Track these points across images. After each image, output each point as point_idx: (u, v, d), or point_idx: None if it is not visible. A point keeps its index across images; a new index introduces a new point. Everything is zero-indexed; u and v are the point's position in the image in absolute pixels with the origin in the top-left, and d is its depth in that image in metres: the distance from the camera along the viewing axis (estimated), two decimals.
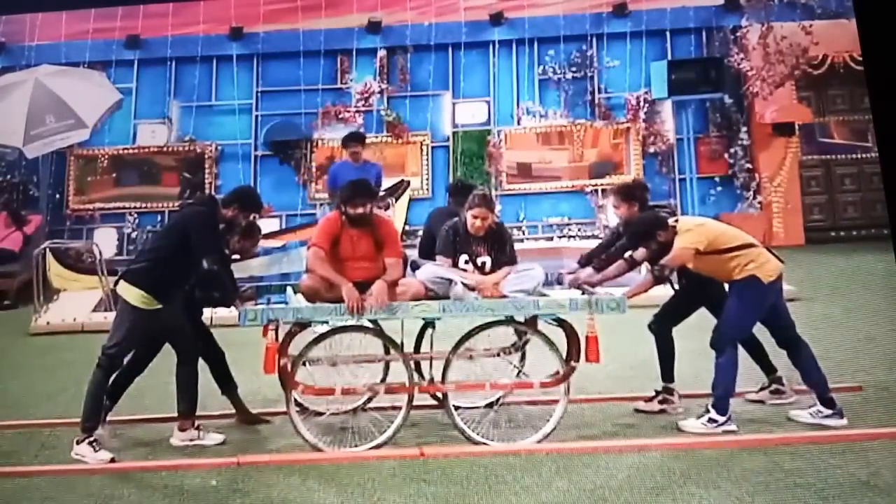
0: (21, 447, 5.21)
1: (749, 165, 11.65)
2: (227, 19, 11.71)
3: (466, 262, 5.18)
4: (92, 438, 4.93)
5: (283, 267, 8.27)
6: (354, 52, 11.80)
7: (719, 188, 11.74)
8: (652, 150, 11.81)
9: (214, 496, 4.44)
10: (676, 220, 5.25)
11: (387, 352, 5.26)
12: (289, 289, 5.46)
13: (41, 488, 4.57)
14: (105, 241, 10.84)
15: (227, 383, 5.51)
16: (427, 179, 11.70)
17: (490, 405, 5.40)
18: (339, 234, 5.13)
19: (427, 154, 11.77)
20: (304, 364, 5.04)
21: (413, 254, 6.02)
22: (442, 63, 11.83)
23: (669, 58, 11.66)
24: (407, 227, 10.75)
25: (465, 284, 4.99)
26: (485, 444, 5.00)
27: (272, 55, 11.81)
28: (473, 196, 5.24)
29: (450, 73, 11.85)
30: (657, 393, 5.55)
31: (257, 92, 11.83)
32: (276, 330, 4.94)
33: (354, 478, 4.58)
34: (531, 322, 5.19)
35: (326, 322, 5.02)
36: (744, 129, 11.68)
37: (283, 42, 11.72)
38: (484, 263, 5.18)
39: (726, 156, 11.74)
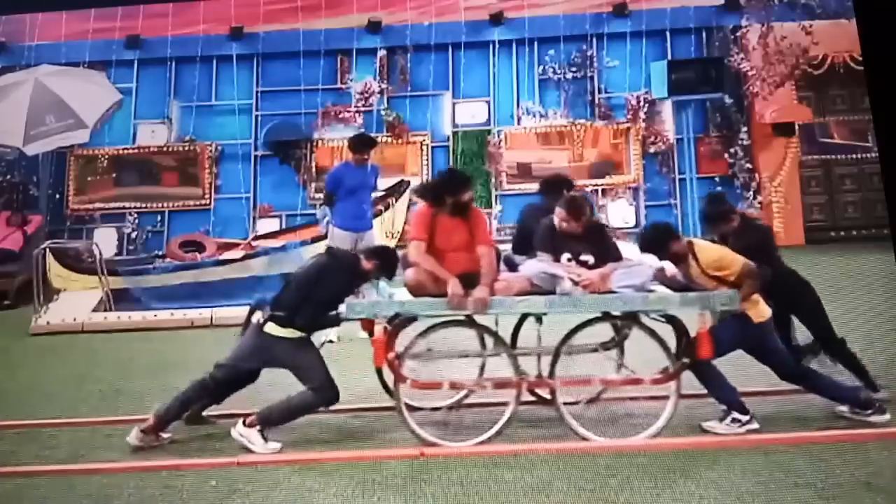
0: (21, 447, 5.22)
1: (749, 165, 11.62)
2: (227, 19, 11.69)
3: (569, 259, 5.15)
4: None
5: (284, 267, 8.28)
6: (354, 52, 11.78)
7: (719, 188, 11.71)
8: (652, 150, 11.79)
9: (214, 496, 4.45)
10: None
11: (484, 345, 5.23)
12: (381, 283, 5.37)
13: (41, 488, 4.58)
14: (105, 241, 10.81)
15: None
16: (427, 179, 11.67)
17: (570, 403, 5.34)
18: (434, 227, 5.12)
19: (427, 154, 11.76)
20: (409, 359, 5.03)
21: None
22: (442, 63, 11.81)
23: (669, 58, 11.63)
24: (408, 228, 10.75)
25: (571, 280, 4.97)
26: (594, 440, 4.96)
27: (272, 55, 11.79)
28: (564, 199, 5.26)
29: (450, 73, 11.83)
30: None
31: (257, 92, 11.81)
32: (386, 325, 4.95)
33: (354, 478, 4.59)
34: (635, 317, 5.12)
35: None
36: (744, 129, 11.65)
37: (283, 42, 11.70)
38: (586, 261, 5.14)
39: (726, 156, 11.71)
